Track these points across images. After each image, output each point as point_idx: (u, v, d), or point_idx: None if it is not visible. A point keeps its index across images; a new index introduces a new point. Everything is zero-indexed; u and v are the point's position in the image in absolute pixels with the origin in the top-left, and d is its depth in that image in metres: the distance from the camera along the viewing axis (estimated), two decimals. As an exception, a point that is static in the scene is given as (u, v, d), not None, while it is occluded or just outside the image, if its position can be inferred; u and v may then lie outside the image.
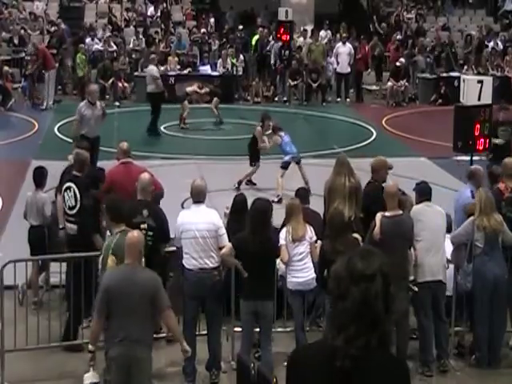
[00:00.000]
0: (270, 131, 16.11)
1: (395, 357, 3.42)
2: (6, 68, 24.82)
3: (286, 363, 3.52)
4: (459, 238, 9.65)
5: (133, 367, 7.46)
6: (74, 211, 10.36)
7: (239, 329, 9.36)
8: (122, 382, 7.56)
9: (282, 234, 9.30)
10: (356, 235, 8.99)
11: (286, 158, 15.72)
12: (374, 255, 3.28)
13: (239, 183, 15.96)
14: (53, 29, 27.56)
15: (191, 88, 23.40)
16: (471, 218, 9.54)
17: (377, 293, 3.18)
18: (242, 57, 26.90)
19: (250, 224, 8.90)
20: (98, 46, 27.24)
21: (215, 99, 22.90)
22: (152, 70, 21.54)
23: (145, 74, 25.92)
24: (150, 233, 8.92)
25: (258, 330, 9.13)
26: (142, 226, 8.86)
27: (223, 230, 9.03)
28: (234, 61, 26.55)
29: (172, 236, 9.40)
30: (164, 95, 21.81)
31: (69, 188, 10.39)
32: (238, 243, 8.88)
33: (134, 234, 7.71)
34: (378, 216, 9.35)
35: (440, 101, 25.67)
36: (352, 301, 3.17)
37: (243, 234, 8.97)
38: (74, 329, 9.64)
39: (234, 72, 26.53)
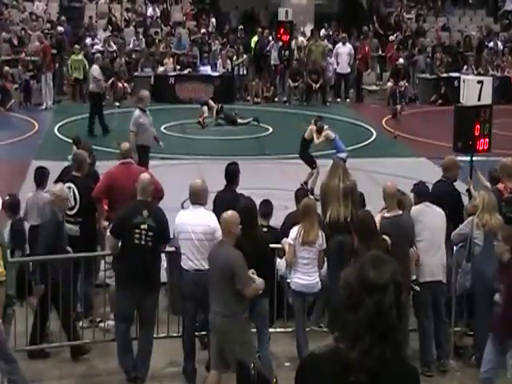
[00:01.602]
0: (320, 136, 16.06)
1: (407, 364, 3.35)
2: (6, 68, 24.84)
3: (287, 363, 3.49)
4: (457, 237, 9.67)
5: (219, 338, 8.19)
6: (74, 211, 10.37)
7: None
8: (216, 346, 8.26)
9: (292, 234, 9.30)
10: (385, 237, 8.92)
11: (342, 154, 15.19)
12: (386, 263, 3.21)
13: (308, 187, 15.69)
14: (59, 29, 27.46)
15: (212, 103, 23.27)
16: (471, 217, 9.56)
17: (390, 303, 3.13)
18: (245, 56, 26.89)
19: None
20: (98, 47, 27.23)
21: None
22: (95, 70, 21.69)
23: (144, 74, 26.01)
24: (150, 233, 8.87)
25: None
26: (142, 226, 8.84)
27: (219, 233, 9.01)
28: (239, 60, 26.51)
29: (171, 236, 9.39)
30: (102, 97, 22.07)
31: (68, 188, 10.39)
32: None
33: (228, 213, 8.35)
34: (378, 217, 9.35)
35: (440, 101, 25.69)
36: (365, 312, 3.12)
37: None
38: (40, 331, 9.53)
39: (240, 72, 26.52)
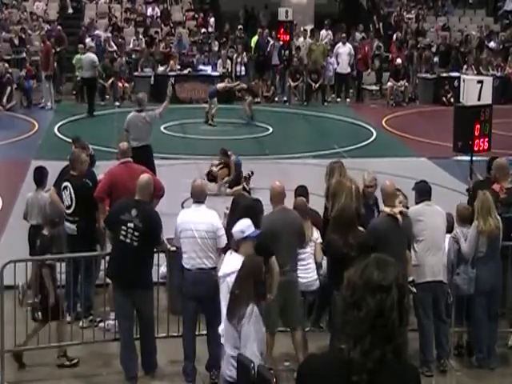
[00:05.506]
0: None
1: (409, 365, 3.36)
2: (5, 66, 24.76)
3: (287, 363, 3.49)
4: (472, 250, 9.48)
5: (287, 295, 8.79)
6: (71, 210, 10.40)
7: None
8: (277, 308, 8.74)
9: None
10: (361, 228, 8.98)
11: None
12: (390, 265, 3.23)
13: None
14: (46, 27, 27.38)
15: (222, 84, 23.21)
16: (474, 223, 9.48)
17: (392, 304, 3.15)
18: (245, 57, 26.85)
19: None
20: (92, 43, 27.09)
21: (250, 98, 23.02)
22: (94, 56, 23.24)
23: (144, 74, 25.98)
24: (136, 233, 8.74)
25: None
26: (129, 224, 8.72)
27: (222, 231, 8.97)
28: (240, 59, 26.50)
29: (172, 236, 9.38)
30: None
31: (65, 187, 10.43)
32: None
33: (277, 183, 9.20)
34: (386, 209, 9.38)
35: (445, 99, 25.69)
36: (367, 311, 3.13)
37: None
38: None
39: (242, 72, 26.51)
